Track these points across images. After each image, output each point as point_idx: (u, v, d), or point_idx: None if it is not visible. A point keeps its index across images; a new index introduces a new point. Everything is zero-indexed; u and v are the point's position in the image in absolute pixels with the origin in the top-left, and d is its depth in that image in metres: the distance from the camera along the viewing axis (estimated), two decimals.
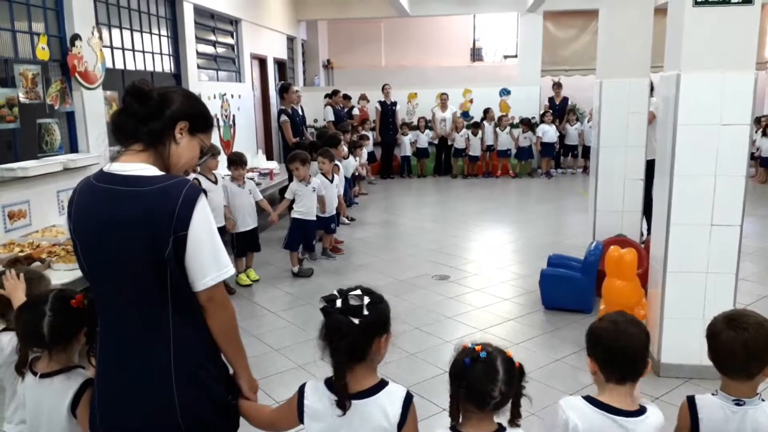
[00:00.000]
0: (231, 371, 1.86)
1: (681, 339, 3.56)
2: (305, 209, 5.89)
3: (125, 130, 1.67)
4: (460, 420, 1.64)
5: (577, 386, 3.49)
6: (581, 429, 1.69)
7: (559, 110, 11.98)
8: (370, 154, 11.53)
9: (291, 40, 12.48)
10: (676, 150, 3.42)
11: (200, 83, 7.90)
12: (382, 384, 1.68)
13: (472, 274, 5.81)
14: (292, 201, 5.89)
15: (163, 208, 1.57)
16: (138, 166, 1.64)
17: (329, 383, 1.69)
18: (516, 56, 13.26)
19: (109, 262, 1.63)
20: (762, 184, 10.43)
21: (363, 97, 12.22)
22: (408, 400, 1.66)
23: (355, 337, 1.60)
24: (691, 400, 1.79)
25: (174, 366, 1.64)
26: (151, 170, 1.64)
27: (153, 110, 1.66)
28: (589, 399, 1.75)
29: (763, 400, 1.74)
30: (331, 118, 11.08)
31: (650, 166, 4.78)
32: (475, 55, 14.49)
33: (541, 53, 12.56)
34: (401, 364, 3.89)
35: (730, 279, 3.49)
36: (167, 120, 1.68)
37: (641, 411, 1.72)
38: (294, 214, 5.91)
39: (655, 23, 4.99)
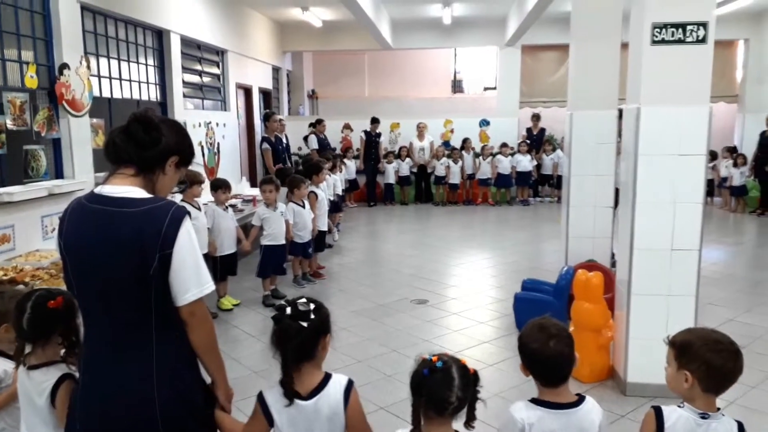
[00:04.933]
0: (208, 381, 1.97)
1: (646, 359, 3.70)
2: (274, 234, 5.90)
3: (123, 153, 1.80)
4: (422, 427, 1.76)
5: None
6: (534, 428, 1.85)
7: (537, 141, 12.29)
8: (353, 182, 11.71)
9: (276, 70, 12.73)
10: (637, 179, 3.62)
11: (186, 112, 8.05)
12: (327, 378, 1.90)
13: (450, 298, 5.94)
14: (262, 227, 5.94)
15: (151, 227, 1.70)
16: (128, 189, 1.77)
17: (282, 383, 1.88)
18: (495, 88, 13.62)
19: (97, 278, 1.74)
20: (733, 212, 10.74)
21: (347, 126, 12.46)
22: (349, 385, 1.90)
23: (303, 338, 1.81)
24: (657, 410, 1.89)
25: (156, 377, 1.75)
26: (140, 193, 1.78)
27: (154, 140, 1.80)
28: (533, 400, 1.92)
29: (723, 414, 1.87)
30: (315, 146, 11.29)
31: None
32: (456, 86, 14.85)
33: (519, 85, 12.94)
34: (378, 386, 3.99)
35: (690, 301, 3.66)
36: (163, 152, 1.83)
37: (580, 401, 1.90)
38: (263, 241, 5.90)
39: (622, 58, 5.25)
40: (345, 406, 1.86)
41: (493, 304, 5.73)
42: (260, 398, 1.91)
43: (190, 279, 1.75)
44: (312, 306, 1.87)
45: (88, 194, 1.82)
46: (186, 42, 8.21)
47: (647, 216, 3.63)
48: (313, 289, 6.38)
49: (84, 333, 1.86)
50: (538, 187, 12.39)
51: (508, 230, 9.67)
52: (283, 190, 6.43)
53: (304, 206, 6.45)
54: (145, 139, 1.79)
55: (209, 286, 1.81)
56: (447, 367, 1.73)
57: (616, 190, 5.20)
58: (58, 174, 5.48)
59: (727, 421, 1.85)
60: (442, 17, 11.45)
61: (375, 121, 11.91)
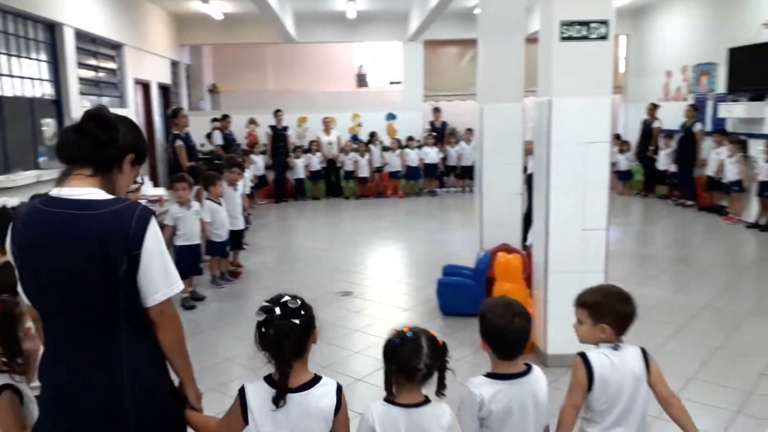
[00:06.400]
0: (176, 383, 1.95)
1: (563, 332, 3.96)
2: (188, 234, 5.70)
3: (78, 153, 1.74)
4: (394, 392, 1.88)
5: None
6: (494, 401, 1.99)
7: (440, 133, 12.69)
8: (261, 178, 11.54)
9: (175, 64, 12.27)
10: (550, 166, 3.90)
11: (83, 109, 7.58)
12: (316, 378, 1.89)
13: (373, 288, 6.08)
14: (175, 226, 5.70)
15: (118, 229, 1.66)
16: (88, 191, 1.71)
17: (269, 380, 1.85)
18: (400, 82, 13.90)
19: (61, 284, 1.68)
20: (620, 195, 11.63)
21: (252, 121, 12.25)
22: (339, 389, 1.89)
23: (297, 336, 1.81)
24: (583, 356, 2.15)
25: (127, 379, 1.72)
26: (101, 194, 1.72)
27: (111, 138, 1.75)
28: (489, 374, 2.07)
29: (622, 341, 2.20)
30: (220, 142, 11.04)
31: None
32: (361, 81, 14.98)
33: (423, 79, 13.28)
34: None
35: (600, 276, 4.00)
36: (121, 149, 1.78)
37: (528, 370, 2.07)
38: (177, 242, 5.69)
39: (526, 52, 5.56)
40: (337, 411, 1.85)
41: (414, 292, 5.93)
42: (242, 394, 1.87)
43: (159, 279, 1.73)
44: (299, 302, 1.86)
45: (43, 197, 1.75)
46: (80, 35, 7.74)
47: (560, 199, 3.93)
48: (233, 289, 6.28)
49: (45, 341, 1.78)
50: (443, 178, 12.79)
51: (419, 220, 9.95)
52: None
53: (220, 204, 6.32)
54: (102, 138, 1.73)
55: (178, 285, 1.80)
56: (417, 337, 1.85)
57: (528, 177, 5.53)
58: None
59: (632, 347, 2.19)
60: (345, 11, 11.52)
61: (278, 112, 11.77)
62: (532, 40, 5.98)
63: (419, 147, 12.28)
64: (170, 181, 6.28)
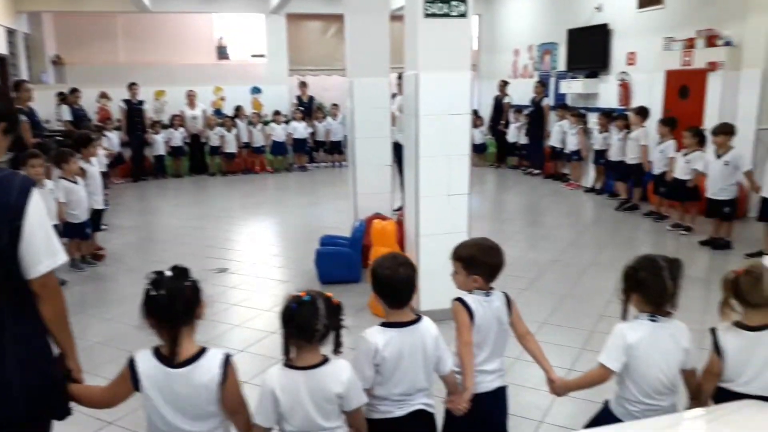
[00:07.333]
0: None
1: (433, 289, 4.28)
2: None
3: None
4: (293, 356, 1.97)
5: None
6: (387, 347, 2.16)
7: (307, 108, 12.69)
8: (117, 156, 10.85)
9: (11, 33, 11.08)
10: (419, 136, 4.16)
11: None
12: (203, 350, 1.91)
13: (249, 263, 6.07)
14: None
15: None
16: None
17: (156, 352, 1.89)
18: (263, 56, 13.63)
19: None
20: (475, 167, 12.40)
21: (104, 95, 11.45)
22: (226, 360, 1.90)
23: (189, 296, 1.89)
24: (461, 300, 2.38)
25: (11, 353, 1.68)
26: None
27: None
28: (382, 324, 2.24)
29: (494, 290, 2.45)
30: (68, 117, 10.24)
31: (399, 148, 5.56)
32: (222, 53, 14.47)
33: (288, 53, 13.14)
34: None
35: (464, 237, 4.33)
36: None
37: (419, 319, 2.27)
38: None
39: (390, 29, 5.79)
40: (223, 381, 1.88)
41: (290, 264, 6.02)
42: (131, 363, 1.88)
43: (42, 250, 1.70)
44: (188, 269, 1.93)
45: None
46: None
47: (429, 168, 4.20)
48: (95, 272, 5.97)
49: None
50: (313, 153, 12.82)
51: (291, 196, 9.99)
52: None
53: (76, 182, 5.93)
54: None
55: (62, 256, 1.77)
56: (313, 300, 1.95)
57: (397, 148, 5.78)
58: None
59: (498, 293, 2.46)
60: None
61: (132, 85, 11.10)
62: (395, 17, 6.23)
63: (287, 122, 12.20)
64: (20, 159, 5.76)
